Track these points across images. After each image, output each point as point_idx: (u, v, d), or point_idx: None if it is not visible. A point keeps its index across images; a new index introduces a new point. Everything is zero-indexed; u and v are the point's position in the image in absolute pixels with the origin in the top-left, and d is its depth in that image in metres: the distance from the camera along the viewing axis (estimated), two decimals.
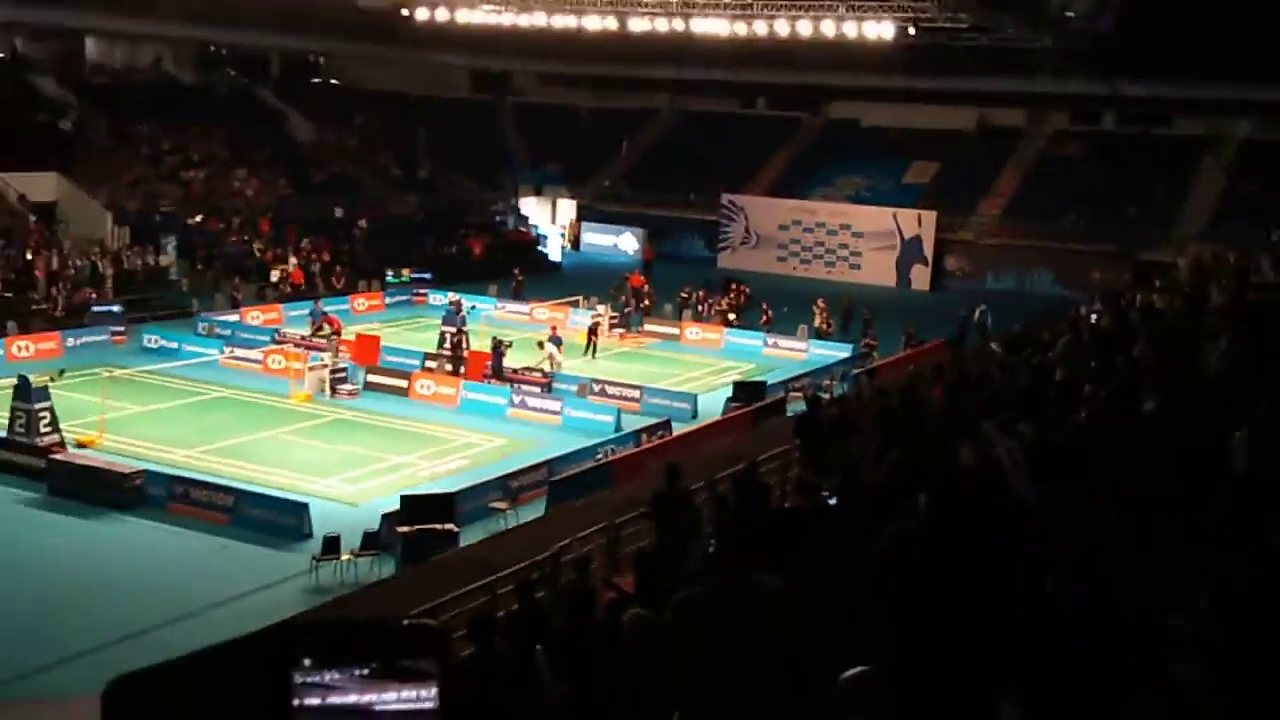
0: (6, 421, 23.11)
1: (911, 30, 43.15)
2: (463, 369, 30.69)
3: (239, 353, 32.04)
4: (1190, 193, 48.30)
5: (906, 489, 8.10)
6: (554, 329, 32.92)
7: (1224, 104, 48.19)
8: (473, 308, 35.28)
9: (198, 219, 43.62)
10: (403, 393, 29.05)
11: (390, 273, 44.39)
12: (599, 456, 23.23)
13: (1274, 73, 45.64)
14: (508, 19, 46.32)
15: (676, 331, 38.37)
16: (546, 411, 27.77)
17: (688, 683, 4.82)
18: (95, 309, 35.40)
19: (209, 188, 46.19)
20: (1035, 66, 50.69)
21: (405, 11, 47.71)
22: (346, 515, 19.92)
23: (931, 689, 3.72)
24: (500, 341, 30.85)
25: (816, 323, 37.89)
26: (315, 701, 1.27)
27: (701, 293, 41.20)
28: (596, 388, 29.50)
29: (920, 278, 50.17)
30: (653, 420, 26.87)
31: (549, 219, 55.89)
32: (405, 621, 1.41)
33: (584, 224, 56.46)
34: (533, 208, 56.30)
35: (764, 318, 38.61)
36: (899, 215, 50.97)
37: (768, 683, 4.16)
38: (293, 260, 42.45)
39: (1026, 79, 51.15)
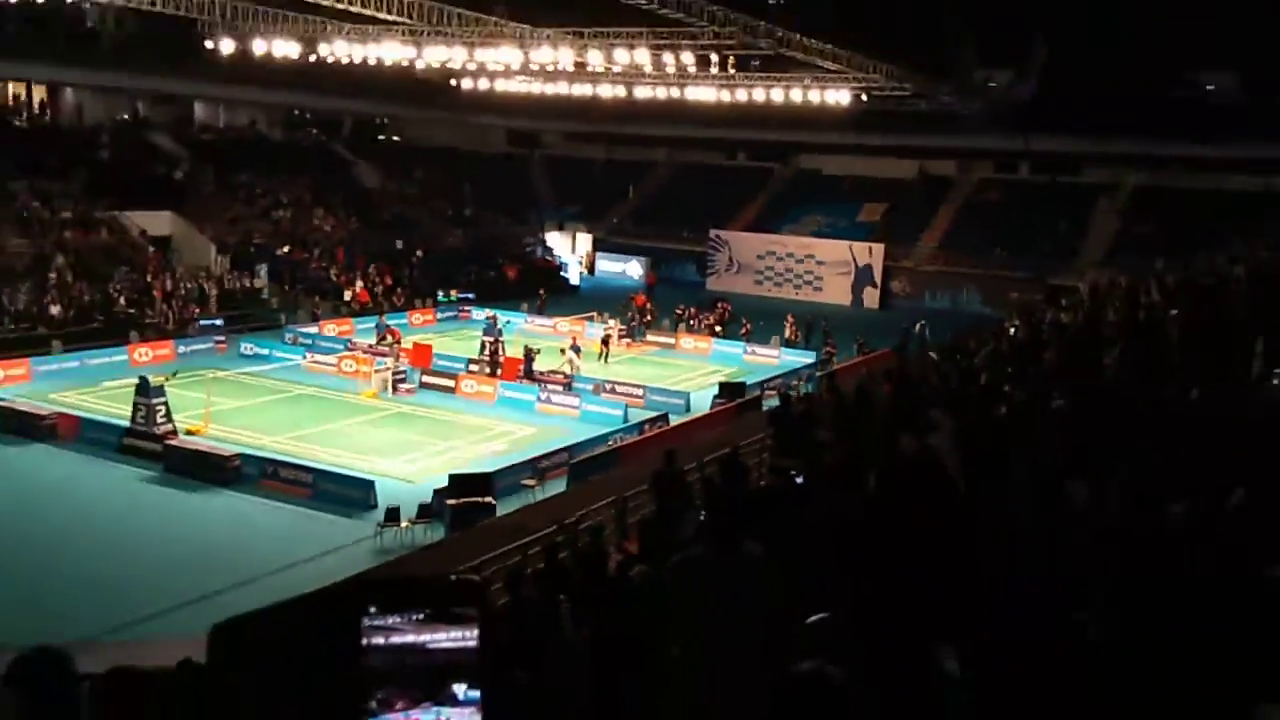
0: (130, 413, 23.18)
1: (864, 97, 43.21)
2: (499, 372, 30.78)
3: (318, 358, 32.09)
4: (1090, 229, 48.28)
5: (859, 469, 8.10)
6: (574, 339, 32.94)
7: (1118, 157, 48.19)
8: (508, 322, 35.35)
9: (285, 249, 43.67)
10: (450, 391, 29.11)
11: (441, 293, 44.47)
12: (610, 443, 23.27)
13: (1159, 132, 45.69)
14: (536, 88, 46.40)
15: (673, 341, 38.41)
16: (568, 406, 27.81)
17: (684, 627, 4.82)
18: (202, 322, 35.50)
19: (294, 224, 46.25)
20: (964, 126, 50.68)
21: (454, 82, 47.76)
22: (405, 490, 19.97)
23: (879, 632, 3.71)
24: (530, 349, 30.93)
25: (786, 334, 37.95)
26: (380, 640, 1.28)
27: (693, 310, 41.26)
28: (608, 387, 29.55)
29: (871, 298, 50.17)
30: (653, 413, 26.93)
31: (570, 249, 55.89)
32: (452, 577, 1.41)
33: (598, 254, 56.47)
34: (556, 240, 56.31)
35: (744, 330, 38.61)
36: (853, 247, 50.98)
37: (747, 627, 4.16)
38: (359, 283, 42.45)
39: (957, 136, 51.15)
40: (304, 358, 32.35)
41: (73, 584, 15.47)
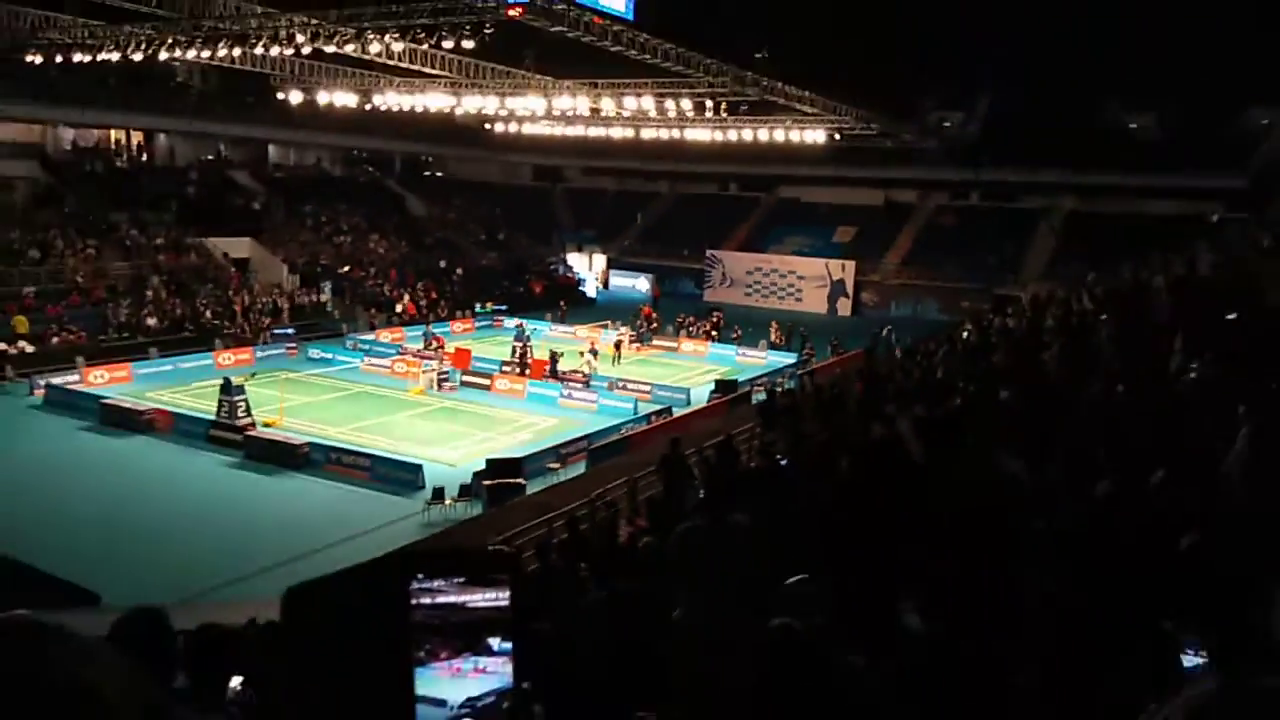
0: (216, 409, 23.25)
1: (837, 136, 43.15)
2: (527, 372, 30.78)
3: (374, 361, 32.14)
4: (1031, 248, 48.09)
5: (834, 454, 8.08)
6: (593, 344, 32.94)
7: (1055, 185, 48.05)
8: (534, 329, 35.35)
9: (345, 269, 43.75)
10: (486, 388, 29.11)
11: (478, 305, 44.49)
12: (622, 432, 23.25)
13: (1090, 164, 45.64)
14: (558, 130, 46.44)
15: (676, 345, 38.37)
16: (586, 401, 27.79)
17: (685, 590, 4.81)
18: (276, 331, 35.57)
19: (353, 248, 46.31)
20: (923, 160, 50.66)
21: (488, 125, 47.83)
22: (448, 473, 19.97)
23: (850, 591, 3.71)
24: (555, 352, 30.96)
25: (771, 338, 37.88)
26: (427, 601, 1.28)
27: (692, 318, 41.20)
28: (621, 384, 29.53)
29: (844, 307, 50.02)
30: (659, 406, 26.90)
31: (587, 267, 55.94)
32: (489, 547, 1.41)
33: (611, 270, 56.46)
34: (575, 259, 56.34)
35: (735, 335, 38.59)
36: (829, 264, 50.85)
37: (739, 589, 4.15)
38: (407, 298, 42.47)
39: (917, 169, 51.12)
40: (362, 361, 32.42)
41: (169, 553, 15.53)
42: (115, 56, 29.54)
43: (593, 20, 25.64)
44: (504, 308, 44.46)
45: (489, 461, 18.93)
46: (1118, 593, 3.03)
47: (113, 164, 44.18)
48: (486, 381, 29.44)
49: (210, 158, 49.02)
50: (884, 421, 7.43)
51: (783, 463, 9.09)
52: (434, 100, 37.37)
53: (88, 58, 30.25)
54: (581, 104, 35.91)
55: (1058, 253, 45.62)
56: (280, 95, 38.65)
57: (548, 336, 37.37)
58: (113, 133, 45.49)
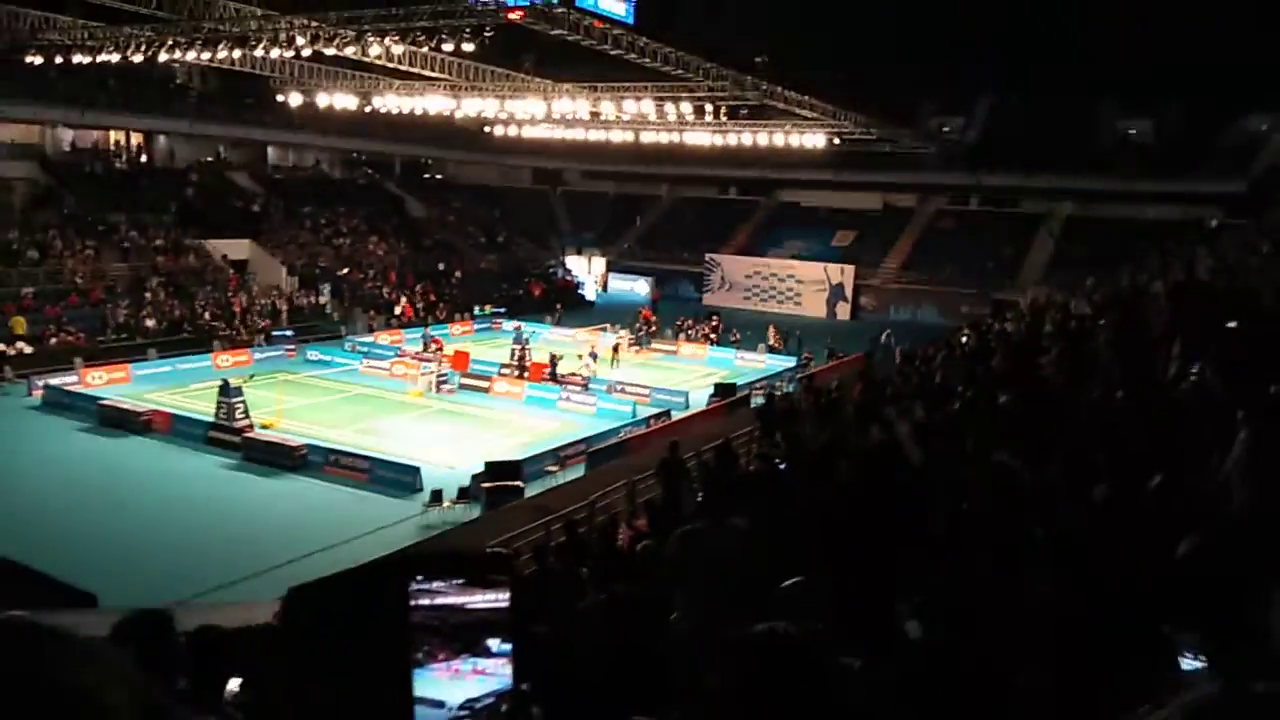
0: (214, 411, 23.22)
1: (836, 140, 43.19)
2: (526, 374, 30.74)
3: (373, 363, 32.14)
4: (1030, 252, 48.14)
5: (833, 457, 8.08)
6: (593, 347, 32.95)
7: (1053, 190, 48.14)
8: (533, 332, 35.36)
9: (344, 271, 43.73)
10: (485, 391, 29.09)
11: (477, 308, 44.47)
12: (621, 435, 23.23)
13: (1088, 169, 45.73)
14: (558, 133, 46.43)
15: (675, 348, 38.37)
16: (585, 404, 27.78)
17: (684, 591, 4.81)
18: (274, 333, 35.55)
19: (352, 250, 46.32)
20: (922, 165, 50.70)
21: (488, 128, 47.84)
22: (447, 475, 19.94)
23: (849, 596, 3.71)
24: (554, 355, 30.96)
25: (770, 342, 37.90)
26: (426, 602, 1.28)
27: (691, 321, 41.22)
28: (619, 387, 29.52)
29: (843, 311, 50.01)
30: (658, 410, 26.88)
31: (586, 270, 55.91)
32: (486, 550, 1.41)
33: (610, 274, 56.46)
34: (575, 262, 56.34)
35: (734, 339, 38.60)
36: (828, 268, 50.87)
37: (737, 592, 4.15)
38: (402, 300, 42.42)
39: (916, 174, 51.15)
40: (361, 363, 32.40)
41: (166, 555, 15.52)
42: (115, 58, 29.56)
43: (593, 24, 25.65)
44: (503, 310, 44.45)
45: (487, 464, 18.85)
46: (1116, 597, 3.03)
47: (112, 165, 44.15)
48: (485, 384, 29.42)
49: (209, 159, 49.01)
50: (882, 426, 7.43)
51: (781, 467, 9.09)
52: (434, 103, 37.39)
53: (87, 59, 30.26)
54: (581, 107, 35.94)
55: (1056, 257, 45.67)
56: (280, 97, 38.69)
57: (546, 339, 37.39)
58: (112, 134, 45.47)
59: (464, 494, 18.42)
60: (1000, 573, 3.75)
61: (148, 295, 35.02)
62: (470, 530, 14.81)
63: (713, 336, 39.65)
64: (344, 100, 37.60)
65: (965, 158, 50.35)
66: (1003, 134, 49.85)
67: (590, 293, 53.99)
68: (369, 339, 36.22)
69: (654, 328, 40.03)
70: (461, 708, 1.28)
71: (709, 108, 35.52)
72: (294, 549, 15.34)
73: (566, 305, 46.79)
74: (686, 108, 35.28)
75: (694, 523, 5.27)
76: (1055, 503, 4.65)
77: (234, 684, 3.36)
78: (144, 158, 46.97)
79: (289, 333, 35.65)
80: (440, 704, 1.26)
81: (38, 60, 31.54)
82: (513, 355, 31.85)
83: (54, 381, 26.42)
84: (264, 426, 23.27)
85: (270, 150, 52.39)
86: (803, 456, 9.12)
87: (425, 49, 27.05)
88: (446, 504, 18.10)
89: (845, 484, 5.98)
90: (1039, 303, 19.35)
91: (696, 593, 4.65)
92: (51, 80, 36.92)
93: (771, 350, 37.13)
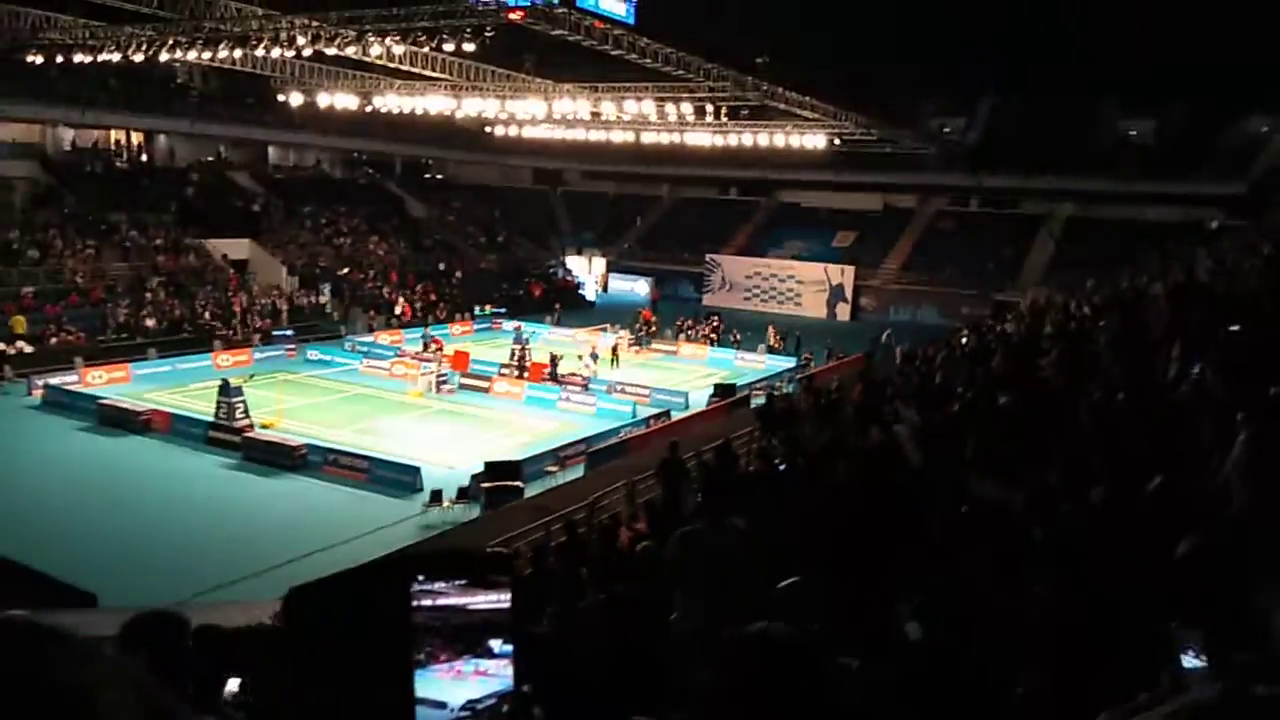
0: (214, 410, 23.22)
1: (837, 141, 43.22)
2: (526, 374, 30.74)
3: (373, 363, 32.13)
4: (1030, 253, 48.17)
5: (833, 458, 8.09)
6: (593, 348, 32.96)
7: (1053, 191, 48.15)
8: (533, 332, 35.37)
9: (345, 271, 43.74)
10: (485, 391, 29.09)
11: (477, 308, 44.45)
12: (621, 435, 23.24)
13: (1089, 170, 45.75)
14: (558, 133, 46.46)
15: (675, 349, 38.37)
16: (585, 404, 27.78)
17: (684, 591, 4.81)
18: (274, 333, 35.54)
19: (352, 250, 46.33)
20: (922, 166, 50.73)
21: (488, 128, 47.89)
22: (446, 475, 19.94)
23: (846, 594, 3.71)
24: (555, 355, 30.97)
25: (770, 342, 37.91)
26: (428, 603, 1.28)
27: (691, 322, 41.23)
28: (619, 387, 29.51)
29: (843, 311, 50.00)
30: (658, 410, 26.89)
31: (586, 270, 55.90)
32: (487, 550, 1.41)
33: (611, 274, 56.46)
34: (575, 263, 56.32)
35: (734, 339, 38.61)
36: (828, 269, 50.88)
37: (736, 592, 4.15)
38: (401, 300, 42.40)
39: (916, 174, 51.18)
40: (361, 363, 32.40)
41: (166, 554, 15.51)
42: (116, 57, 29.58)
43: (593, 24, 25.67)
44: (503, 310, 44.44)
45: (487, 464, 18.85)
46: (1115, 599, 3.03)
47: (112, 165, 44.17)
48: (485, 384, 29.41)
49: (210, 159, 49.03)
50: (882, 426, 7.44)
51: (781, 467, 9.09)
52: (434, 103, 37.40)
53: (88, 58, 30.28)
54: (582, 107, 35.96)
55: (1056, 258, 45.68)
56: (281, 97, 38.71)
57: (546, 340, 37.38)
58: (113, 133, 45.49)
59: (464, 494, 18.42)
60: (999, 574, 3.75)
61: (148, 295, 35.02)
62: (470, 530, 14.81)
63: (713, 337, 39.65)
64: (345, 100, 37.62)
65: (966, 158, 50.37)
66: (1003, 135, 49.88)
67: (590, 293, 53.99)
68: (369, 339, 36.22)
69: (654, 328, 40.02)
70: (463, 708, 1.28)
71: (709, 108, 35.53)
72: (294, 549, 15.33)
73: (566, 305, 46.85)
74: (687, 108, 35.30)
75: (694, 523, 5.27)
76: (1054, 504, 4.65)
77: (233, 684, 3.36)
78: (144, 157, 46.99)
79: (289, 332, 35.63)
80: (442, 705, 1.26)
81: (39, 59, 31.58)
82: (513, 355, 31.85)
83: (54, 381, 26.42)
84: (264, 426, 23.25)
85: (271, 150, 52.41)
86: (802, 457, 9.12)
87: (426, 49, 27.06)
88: (446, 504, 18.10)
89: (844, 484, 5.99)
90: (1039, 304, 19.34)
91: (696, 593, 4.66)
92: (52, 79, 36.94)
93: (771, 351, 37.13)
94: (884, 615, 3.42)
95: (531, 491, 17.76)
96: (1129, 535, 3.74)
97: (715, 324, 40.78)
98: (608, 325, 39.22)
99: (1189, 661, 1.78)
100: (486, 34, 24.48)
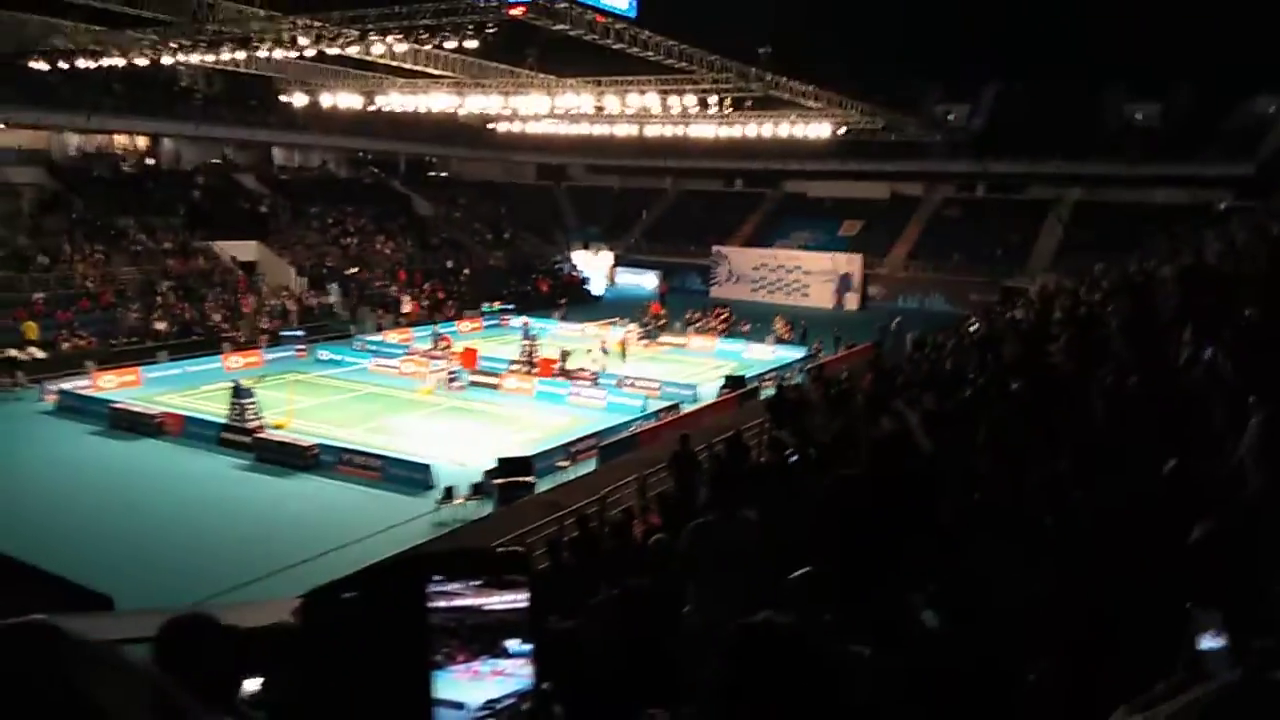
0: (226, 412, 23.30)
1: (842, 130, 43.04)
2: (535, 370, 30.77)
3: (382, 362, 32.19)
4: (1038, 239, 48.01)
5: (844, 448, 8.08)
6: (603, 342, 32.98)
7: (1061, 176, 47.93)
8: (541, 328, 35.35)
9: (353, 270, 43.83)
10: (495, 387, 29.12)
11: (485, 304, 44.47)
12: (631, 429, 23.25)
13: (1096, 154, 45.50)
14: (562, 128, 46.43)
15: (684, 341, 38.34)
16: (595, 398, 27.78)
17: (696, 583, 4.82)
18: (284, 334, 35.62)
19: (360, 249, 46.41)
20: (928, 153, 50.53)
21: (491, 125, 47.87)
22: (459, 472, 19.92)
23: (859, 585, 3.70)
24: (565, 351, 31.01)
25: (779, 333, 37.85)
26: (444, 604, 1.28)
27: (700, 314, 41.19)
28: (629, 381, 29.51)
29: (851, 301, 49.89)
30: (668, 403, 26.88)
31: (593, 265, 55.88)
32: (501, 549, 1.42)
33: (618, 268, 56.42)
34: (581, 257, 56.27)
35: (743, 330, 38.57)
36: (835, 258, 50.75)
37: (748, 583, 4.16)
38: (407, 298, 42.46)
39: (922, 162, 50.99)
40: (370, 362, 32.47)
41: (181, 555, 15.58)
42: (119, 62, 29.66)
43: (595, 18, 25.62)
44: (511, 306, 44.47)
45: (499, 460, 18.90)
46: (1131, 584, 3.03)
47: (119, 169, 44.31)
48: (495, 380, 29.44)
49: (216, 161, 49.14)
50: (893, 415, 7.42)
51: (793, 458, 9.08)
52: (437, 100, 37.41)
53: (92, 63, 30.37)
54: (585, 102, 35.93)
55: (1065, 243, 45.51)
56: (284, 98, 38.77)
57: (554, 335, 37.36)
58: (118, 138, 45.64)
59: (476, 490, 18.45)
60: (1011, 561, 3.75)
61: (158, 298, 35.15)
62: (483, 527, 14.84)
63: (722, 329, 39.63)
64: (348, 100, 37.67)
65: (971, 145, 50.17)
66: (1009, 120, 49.64)
67: (597, 287, 54.00)
68: (378, 337, 36.28)
69: (662, 321, 40.01)
70: (482, 709, 1.28)
71: (713, 100, 35.43)
72: (308, 548, 15.40)
73: (572, 300, 46.84)
74: (691, 100, 35.21)
75: (706, 515, 5.28)
76: (1066, 490, 4.64)
77: (251, 684, 3.37)
78: (150, 161, 47.13)
79: (299, 333, 35.71)
80: (460, 706, 1.26)
81: (43, 66, 31.66)
82: (522, 351, 31.90)
83: (66, 386, 26.54)
84: (276, 427, 23.32)
85: (276, 151, 52.51)
86: (814, 447, 9.12)
87: (428, 47, 27.07)
88: (459, 501, 18.14)
89: (856, 474, 5.98)
90: (1048, 289, 19.26)
91: (708, 585, 4.66)
92: (57, 85, 37.04)
93: (780, 341, 37.08)
94: (897, 604, 3.41)
95: (543, 487, 17.81)
96: (1143, 520, 3.73)
97: (724, 316, 40.76)
98: (616, 319, 39.21)
99: (1206, 643, 1.78)
100: (488, 30, 24.46)
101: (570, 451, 21.55)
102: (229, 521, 17.54)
